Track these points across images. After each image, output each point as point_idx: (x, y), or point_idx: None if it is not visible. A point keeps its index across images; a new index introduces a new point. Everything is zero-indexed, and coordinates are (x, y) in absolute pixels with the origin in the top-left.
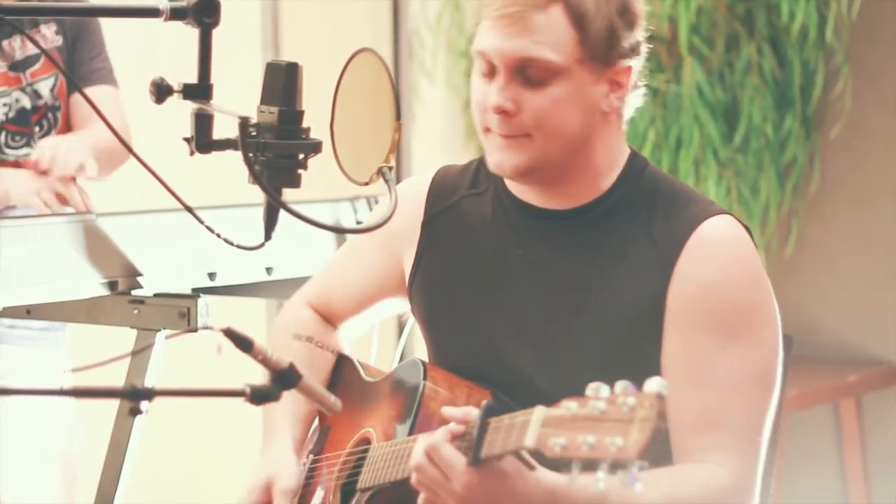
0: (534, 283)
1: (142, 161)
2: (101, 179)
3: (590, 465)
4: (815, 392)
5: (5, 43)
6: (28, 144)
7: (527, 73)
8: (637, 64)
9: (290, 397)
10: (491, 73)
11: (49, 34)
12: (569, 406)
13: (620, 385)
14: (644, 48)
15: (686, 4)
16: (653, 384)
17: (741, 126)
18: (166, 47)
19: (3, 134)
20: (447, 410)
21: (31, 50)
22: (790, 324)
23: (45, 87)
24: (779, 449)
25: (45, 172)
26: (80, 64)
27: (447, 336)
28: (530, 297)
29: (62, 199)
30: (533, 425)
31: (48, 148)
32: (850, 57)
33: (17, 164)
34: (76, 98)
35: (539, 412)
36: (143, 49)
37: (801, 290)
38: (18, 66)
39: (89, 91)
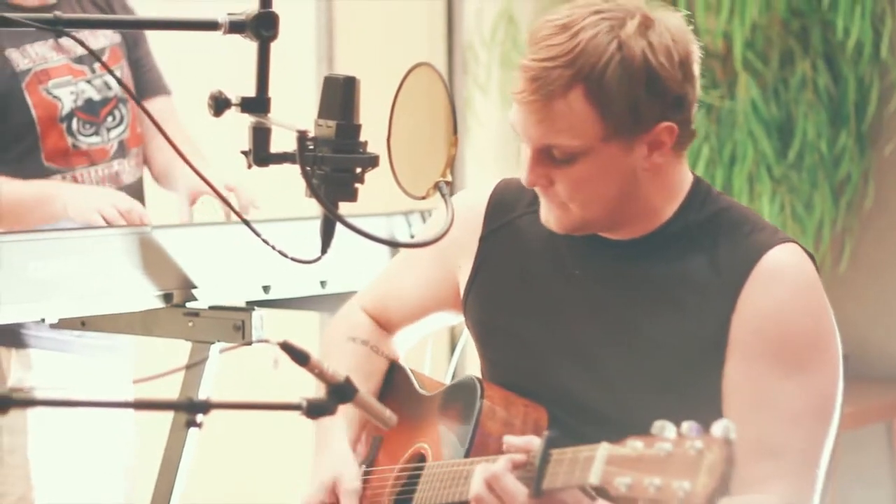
0: (590, 307)
1: (200, 174)
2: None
3: None
4: (869, 410)
5: (62, 40)
6: (97, 133)
7: (552, 154)
8: (685, 115)
9: None
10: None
11: (107, 33)
12: (634, 445)
13: (686, 426)
14: (694, 102)
15: (741, 20)
16: (720, 427)
17: (795, 142)
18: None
19: (75, 120)
20: (508, 440)
21: (94, 44)
22: (844, 341)
23: (113, 79)
24: (832, 467)
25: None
26: (135, 70)
27: (500, 353)
28: (585, 321)
29: (123, 216)
30: (598, 462)
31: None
32: None
33: (87, 155)
34: (146, 105)
35: (604, 449)
36: (202, 60)
37: (855, 306)
38: (84, 59)
39: (150, 103)
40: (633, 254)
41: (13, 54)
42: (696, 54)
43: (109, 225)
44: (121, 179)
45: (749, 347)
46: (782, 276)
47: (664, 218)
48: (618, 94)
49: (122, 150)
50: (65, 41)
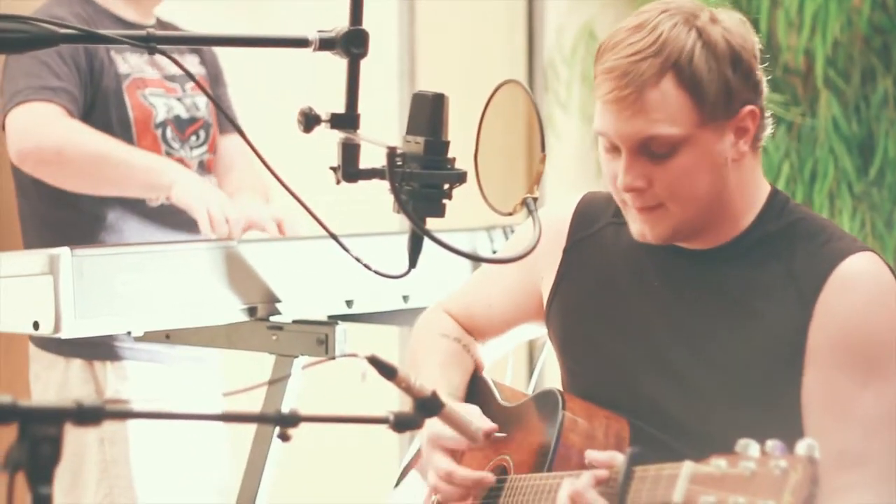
0: (670, 317)
1: (289, 189)
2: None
3: None
4: None
5: (156, 58)
6: (182, 149)
7: (650, 149)
8: (762, 102)
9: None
10: (615, 149)
11: (193, 63)
12: (718, 464)
13: (771, 444)
14: (765, 84)
15: (822, 37)
16: (803, 447)
17: (876, 159)
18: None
19: (168, 129)
20: (591, 455)
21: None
22: None
23: (202, 102)
24: None
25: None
26: (225, 107)
27: (581, 363)
28: (666, 331)
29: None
30: (682, 481)
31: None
32: None
33: (179, 162)
34: (220, 141)
35: (688, 467)
36: (283, 75)
37: None
38: (176, 78)
39: (227, 139)
40: (712, 263)
41: (116, 57)
42: (758, 46)
43: (210, 222)
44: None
45: (827, 356)
46: (859, 283)
47: (742, 227)
48: (708, 77)
49: (202, 169)
50: (158, 59)
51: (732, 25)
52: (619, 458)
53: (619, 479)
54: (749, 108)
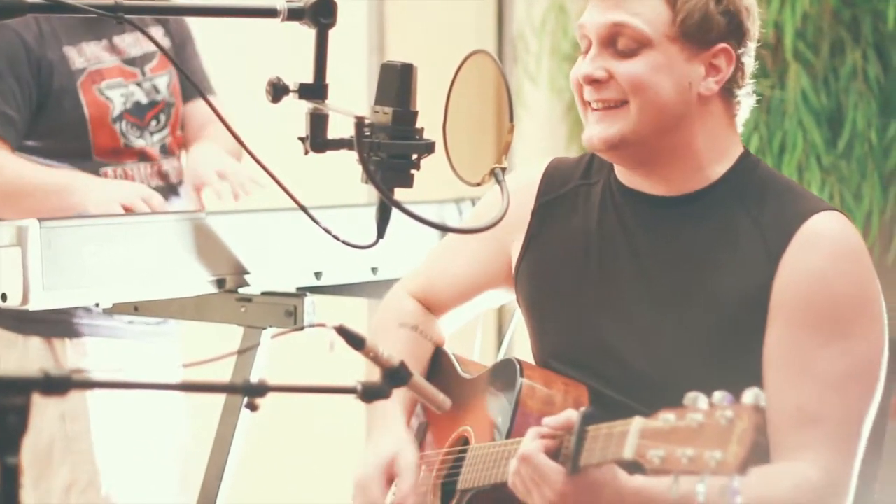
0: (639, 269)
1: (257, 160)
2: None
3: (690, 475)
4: None
5: (116, 39)
6: (141, 137)
7: (617, 45)
8: (741, 51)
9: None
10: (588, 50)
11: (157, 35)
12: (667, 418)
13: (718, 395)
14: (752, 40)
15: (791, 10)
16: (749, 395)
17: (845, 132)
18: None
19: (124, 123)
20: (547, 421)
21: (147, 47)
22: (892, 330)
23: (162, 83)
24: (883, 455)
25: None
26: (192, 73)
27: (550, 321)
28: (635, 284)
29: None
30: (631, 437)
31: (211, 172)
32: None
33: (138, 152)
34: (190, 106)
35: (637, 423)
36: (253, 46)
37: None
38: (135, 61)
39: (200, 101)
40: (680, 213)
41: (70, 52)
42: (755, 11)
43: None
44: (169, 178)
45: (789, 312)
46: (824, 241)
47: (712, 178)
48: None
49: (164, 152)
50: (117, 42)
51: None
52: (573, 417)
53: (573, 439)
54: (725, 45)
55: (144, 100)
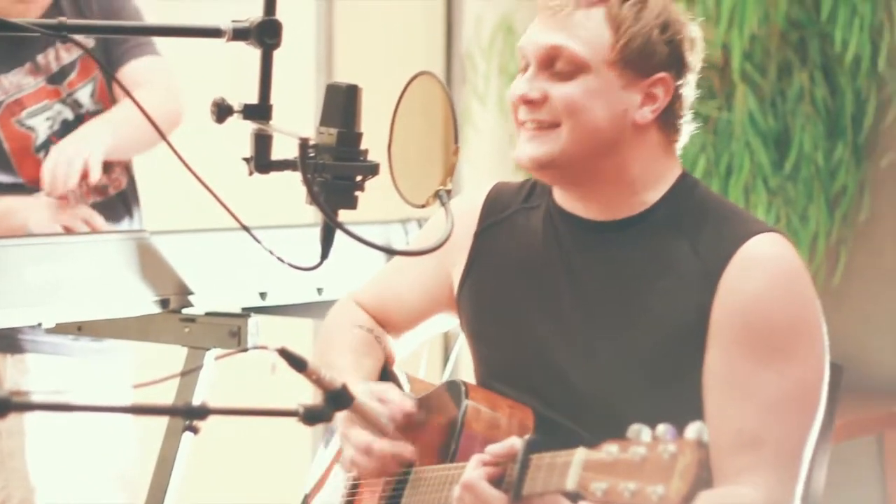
0: (578, 294)
1: (200, 179)
2: (147, 148)
3: None
4: (860, 422)
5: (40, 57)
6: None
7: (555, 67)
8: (680, 82)
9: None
10: (526, 69)
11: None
12: (610, 450)
13: (662, 429)
14: (692, 72)
15: (739, 32)
16: (692, 430)
17: (792, 154)
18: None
19: (50, 148)
20: (490, 449)
21: (65, 59)
22: (836, 352)
23: (84, 94)
24: (824, 479)
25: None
26: (118, 42)
27: (492, 346)
28: (576, 309)
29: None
30: (574, 467)
31: (47, 169)
32: None
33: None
34: (123, 71)
35: (580, 454)
36: (197, 67)
37: (849, 319)
38: (56, 78)
39: (133, 64)
40: (618, 238)
41: None
42: (699, 44)
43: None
44: (108, 191)
45: (728, 335)
46: (762, 263)
47: (650, 202)
48: (633, 23)
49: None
50: (39, 60)
51: (672, 5)
52: (517, 445)
53: (517, 467)
54: (664, 74)
55: (71, 116)
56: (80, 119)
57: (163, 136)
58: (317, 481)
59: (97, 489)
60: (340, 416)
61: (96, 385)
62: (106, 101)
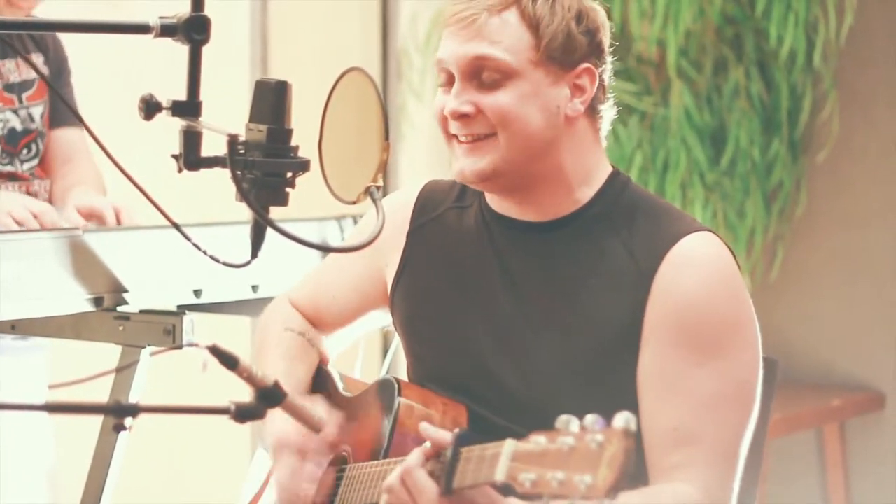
0: (513, 295)
1: (130, 178)
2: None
3: (560, 498)
4: (799, 417)
5: (0, 63)
6: (11, 164)
7: (482, 78)
8: (601, 69)
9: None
10: (450, 82)
11: (38, 63)
12: (538, 440)
13: (589, 419)
14: (608, 55)
15: (675, 28)
16: (620, 420)
17: (728, 149)
18: (153, 63)
19: None
20: (424, 427)
21: (26, 75)
22: (774, 348)
23: (37, 112)
24: (762, 473)
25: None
26: (59, 103)
27: (425, 345)
28: (509, 309)
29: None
30: (503, 459)
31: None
32: (837, 82)
33: (7, 176)
34: (57, 134)
35: (509, 446)
36: (130, 64)
37: (786, 314)
38: (14, 87)
39: (67, 131)
40: (551, 238)
41: None
42: (608, 28)
43: (20, 226)
44: (38, 198)
45: (662, 334)
46: (694, 262)
47: (581, 202)
48: (550, 19)
49: (34, 177)
50: (1, 66)
51: None
52: (448, 437)
53: (447, 460)
54: (588, 65)
55: (19, 127)
56: (27, 132)
57: (92, 135)
58: (255, 493)
59: (16, 490)
60: (270, 444)
61: (13, 383)
62: (48, 126)
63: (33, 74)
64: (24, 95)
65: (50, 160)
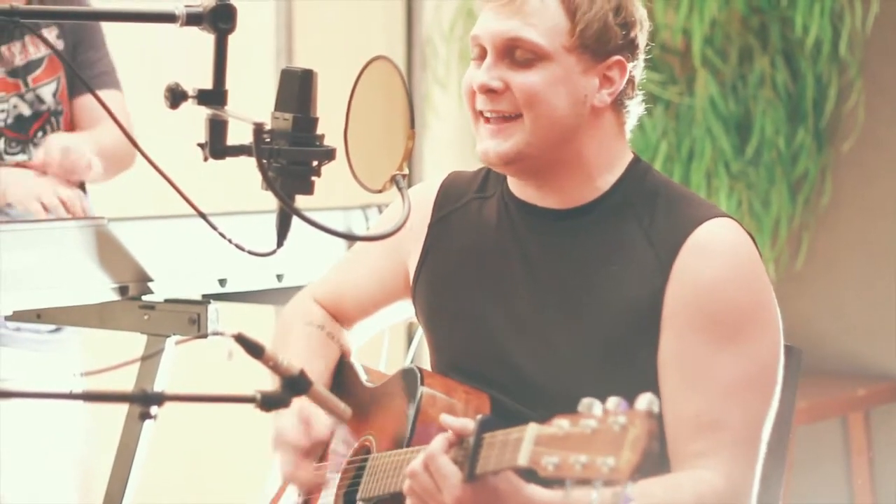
0: (533, 283)
1: (155, 165)
2: (102, 181)
3: (584, 482)
4: (824, 405)
5: (4, 48)
6: (24, 151)
7: (514, 56)
8: (632, 64)
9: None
10: (482, 56)
11: (50, 38)
12: (561, 424)
13: (612, 402)
14: (642, 52)
15: (700, 17)
16: (643, 401)
17: (753, 139)
18: (179, 52)
19: (2, 140)
20: (445, 419)
21: (32, 56)
22: (799, 337)
23: (47, 92)
24: (787, 461)
25: (48, 172)
26: (84, 67)
27: (447, 335)
28: (530, 297)
29: (63, 204)
30: (526, 443)
31: (56, 148)
32: (863, 71)
33: (21, 167)
34: (80, 101)
35: (532, 430)
36: (157, 53)
37: (811, 303)
38: (18, 72)
39: (89, 97)
40: (572, 226)
41: None
42: (646, 25)
43: (49, 212)
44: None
45: (682, 320)
46: (714, 248)
47: (602, 189)
48: (589, 7)
49: None
50: (5, 52)
51: None
52: (471, 425)
53: (470, 446)
54: (619, 58)
55: (28, 112)
56: (38, 116)
57: (115, 120)
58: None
59: (52, 481)
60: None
61: (43, 374)
62: (66, 101)
63: (40, 53)
64: (30, 77)
65: (77, 129)
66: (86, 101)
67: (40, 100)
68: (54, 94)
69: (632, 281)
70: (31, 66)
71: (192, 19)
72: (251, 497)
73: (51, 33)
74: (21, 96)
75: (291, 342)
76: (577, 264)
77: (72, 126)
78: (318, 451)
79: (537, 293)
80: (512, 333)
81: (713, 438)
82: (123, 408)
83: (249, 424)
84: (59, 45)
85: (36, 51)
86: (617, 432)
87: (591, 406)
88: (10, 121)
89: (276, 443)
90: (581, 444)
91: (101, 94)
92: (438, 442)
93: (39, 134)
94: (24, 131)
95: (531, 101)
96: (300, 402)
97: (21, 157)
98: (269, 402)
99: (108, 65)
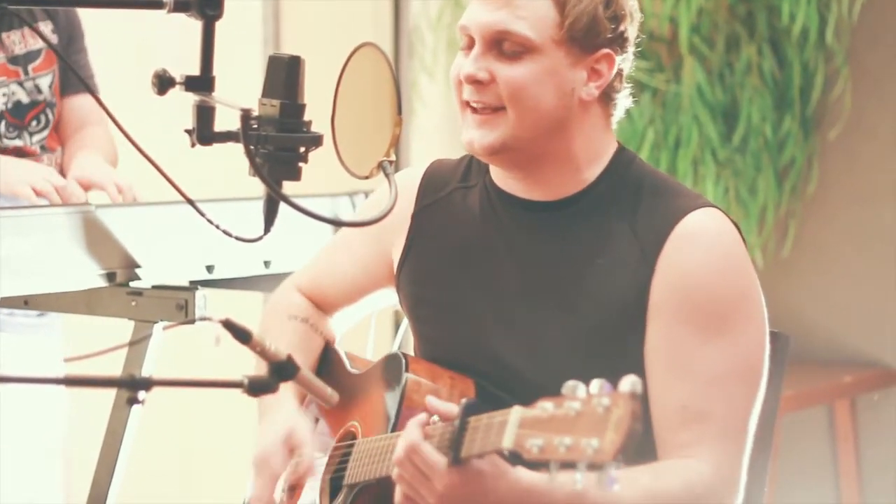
0: (518, 274)
1: (144, 153)
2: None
3: (568, 464)
4: (811, 393)
5: (4, 35)
6: (20, 137)
7: (503, 47)
8: (621, 58)
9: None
10: (470, 46)
11: (46, 31)
12: (545, 406)
13: (596, 384)
14: (631, 45)
15: (687, 5)
16: (626, 383)
17: (740, 126)
18: (166, 38)
19: (3, 123)
20: (431, 401)
21: (32, 45)
22: (786, 324)
23: (45, 83)
24: (773, 449)
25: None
26: (78, 69)
27: (432, 325)
28: (514, 288)
29: (57, 191)
30: (510, 426)
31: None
32: (850, 59)
33: (14, 151)
34: (69, 102)
35: (516, 413)
36: (144, 40)
37: (798, 290)
38: (19, 59)
39: (80, 98)
40: (557, 217)
41: None
42: (637, 19)
43: (41, 197)
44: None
45: (667, 312)
46: (700, 238)
47: (588, 181)
48: (578, 2)
49: (44, 150)
50: (5, 39)
51: None
52: (456, 409)
53: (455, 429)
54: (608, 51)
55: (26, 99)
56: (34, 104)
57: (104, 108)
58: None
59: (31, 465)
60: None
61: (28, 359)
62: (58, 95)
63: (40, 44)
64: (30, 67)
65: (63, 128)
66: (75, 103)
67: (38, 89)
68: (50, 86)
69: (617, 273)
70: (30, 56)
71: (180, 6)
72: (238, 485)
73: (46, 27)
74: (20, 84)
75: (276, 336)
76: (563, 256)
77: (59, 123)
78: (295, 482)
79: (521, 284)
80: (497, 325)
81: (700, 429)
82: (106, 394)
83: (237, 412)
84: (54, 39)
85: (35, 42)
86: (601, 414)
87: (575, 388)
88: (9, 105)
89: (257, 464)
90: (565, 427)
91: (89, 97)
92: (414, 430)
93: (33, 123)
94: (21, 118)
95: (515, 95)
96: (288, 430)
97: (17, 142)
98: (256, 387)
99: (90, 68)
